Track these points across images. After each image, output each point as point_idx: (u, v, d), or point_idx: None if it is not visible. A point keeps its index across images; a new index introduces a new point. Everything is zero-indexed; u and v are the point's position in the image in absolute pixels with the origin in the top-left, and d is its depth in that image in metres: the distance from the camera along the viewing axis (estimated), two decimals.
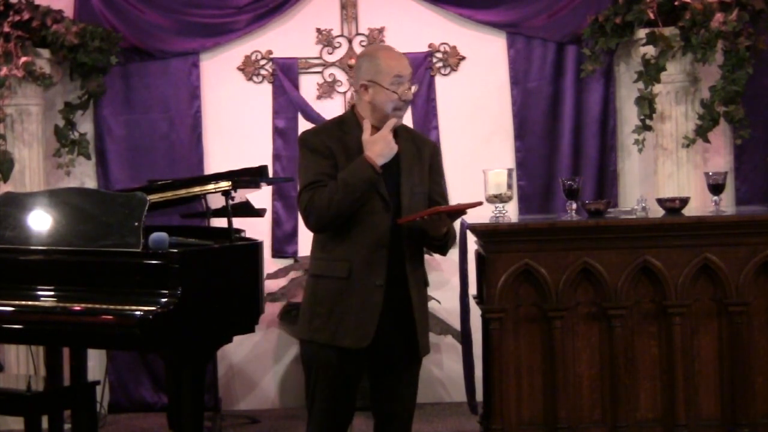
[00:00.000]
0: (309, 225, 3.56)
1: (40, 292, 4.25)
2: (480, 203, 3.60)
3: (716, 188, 4.69)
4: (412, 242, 3.54)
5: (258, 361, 6.16)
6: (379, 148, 3.45)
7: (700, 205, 5.43)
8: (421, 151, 3.62)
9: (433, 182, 3.64)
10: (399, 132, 3.59)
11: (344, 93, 6.13)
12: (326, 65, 6.17)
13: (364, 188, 3.44)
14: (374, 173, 3.44)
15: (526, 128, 6.11)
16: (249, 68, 6.18)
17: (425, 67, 6.14)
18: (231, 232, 4.50)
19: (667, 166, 5.77)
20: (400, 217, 3.50)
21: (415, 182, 3.56)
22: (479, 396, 4.76)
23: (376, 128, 3.51)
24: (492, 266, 4.39)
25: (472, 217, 4.57)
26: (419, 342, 3.55)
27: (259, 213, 5.14)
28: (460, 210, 3.59)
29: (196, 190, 4.66)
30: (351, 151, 3.49)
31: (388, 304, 3.50)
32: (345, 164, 3.47)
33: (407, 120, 6.10)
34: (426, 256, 5.91)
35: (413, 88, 3.58)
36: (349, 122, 3.58)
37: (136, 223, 4.13)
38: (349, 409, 3.62)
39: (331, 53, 6.12)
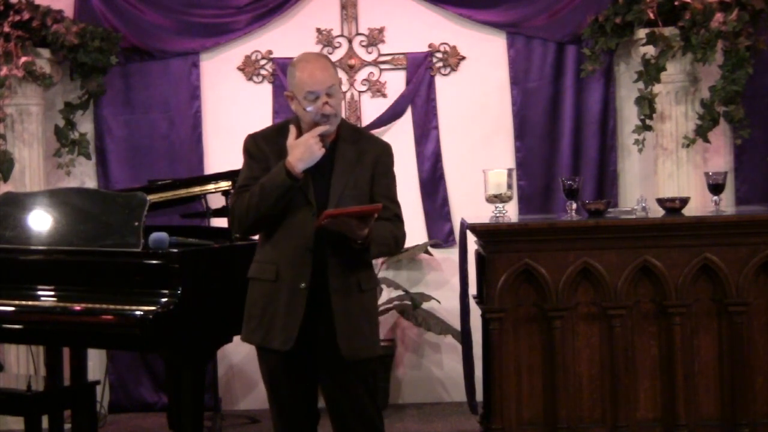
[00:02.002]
0: (233, 229, 3.61)
1: (40, 292, 4.25)
2: (378, 207, 3.42)
3: (716, 188, 4.69)
4: (336, 246, 3.47)
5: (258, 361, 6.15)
6: (299, 152, 3.42)
7: (700, 205, 5.43)
8: (363, 154, 3.56)
9: (376, 184, 3.56)
10: (343, 134, 3.57)
11: (344, 93, 6.12)
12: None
13: (278, 193, 3.42)
14: (289, 178, 3.41)
15: (526, 128, 6.11)
16: (249, 68, 6.18)
17: (425, 67, 6.14)
18: (231, 232, 4.50)
19: (667, 166, 5.77)
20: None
21: (348, 185, 3.51)
22: (479, 396, 4.76)
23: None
24: (492, 266, 4.39)
25: (472, 217, 4.58)
26: (340, 347, 3.47)
27: None
28: (365, 213, 3.40)
29: (196, 190, 4.67)
30: (284, 155, 3.46)
31: (311, 308, 3.48)
32: None
33: (407, 119, 6.13)
34: (424, 255, 6.04)
35: (332, 102, 3.46)
36: (289, 126, 3.54)
37: (136, 223, 4.13)
38: (305, 410, 3.59)
39: (331, 53, 6.11)
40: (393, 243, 3.58)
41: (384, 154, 3.62)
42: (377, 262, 5.61)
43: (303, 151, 3.42)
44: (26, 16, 5.70)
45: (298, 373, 3.55)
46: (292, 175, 3.41)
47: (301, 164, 3.42)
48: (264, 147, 3.54)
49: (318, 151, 3.43)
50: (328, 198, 3.48)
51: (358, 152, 3.56)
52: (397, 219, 3.60)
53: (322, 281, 3.48)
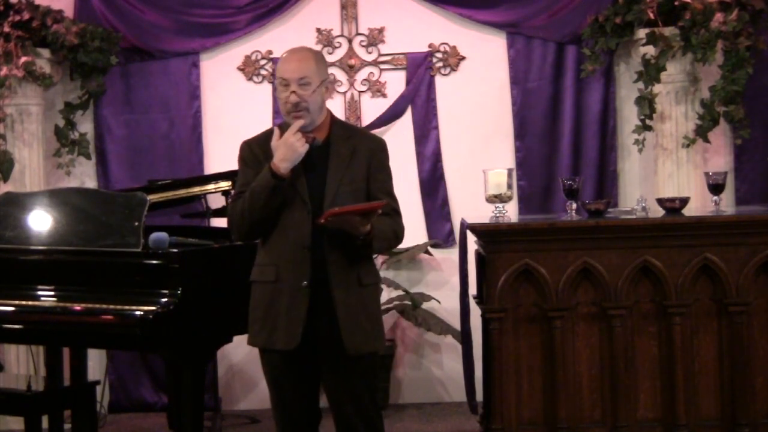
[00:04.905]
0: (233, 235, 3.63)
1: (40, 292, 4.25)
2: (382, 203, 3.46)
3: (716, 188, 4.69)
4: (335, 242, 3.48)
5: (258, 361, 6.11)
6: (281, 152, 3.44)
7: (700, 205, 5.43)
8: (357, 150, 3.56)
9: (373, 180, 3.57)
10: (336, 131, 3.58)
11: (344, 93, 6.13)
12: (326, 65, 6.17)
13: (266, 194, 3.43)
14: (273, 179, 3.42)
15: (526, 128, 6.11)
16: (249, 68, 6.18)
17: (425, 67, 6.14)
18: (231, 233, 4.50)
19: (667, 166, 5.77)
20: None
21: (344, 181, 3.52)
22: (479, 396, 4.76)
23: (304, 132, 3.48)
24: (492, 266, 4.39)
25: (472, 217, 4.58)
26: (344, 341, 3.49)
27: None
28: (369, 210, 3.43)
29: (196, 190, 4.67)
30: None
31: (316, 305, 3.49)
32: None
33: (407, 119, 6.13)
34: (424, 255, 6.04)
35: (300, 93, 3.48)
36: (283, 129, 3.55)
37: (136, 223, 4.13)
38: (303, 411, 3.59)
39: (331, 53, 6.12)
40: (393, 237, 3.59)
41: (378, 149, 3.63)
42: (378, 262, 5.60)
43: (285, 151, 3.43)
44: (26, 16, 5.70)
45: (300, 372, 3.56)
46: (277, 175, 3.42)
47: (286, 163, 3.43)
48: (257, 152, 3.56)
49: (300, 149, 3.44)
50: (324, 195, 3.50)
51: (351, 148, 3.57)
52: (395, 213, 3.61)
53: (323, 278, 3.49)
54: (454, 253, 5.41)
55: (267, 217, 3.48)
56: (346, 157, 3.55)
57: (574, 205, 4.59)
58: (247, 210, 3.48)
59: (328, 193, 3.50)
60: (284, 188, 3.45)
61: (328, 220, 3.38)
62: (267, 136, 3.61)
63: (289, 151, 3.43)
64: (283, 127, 3.53)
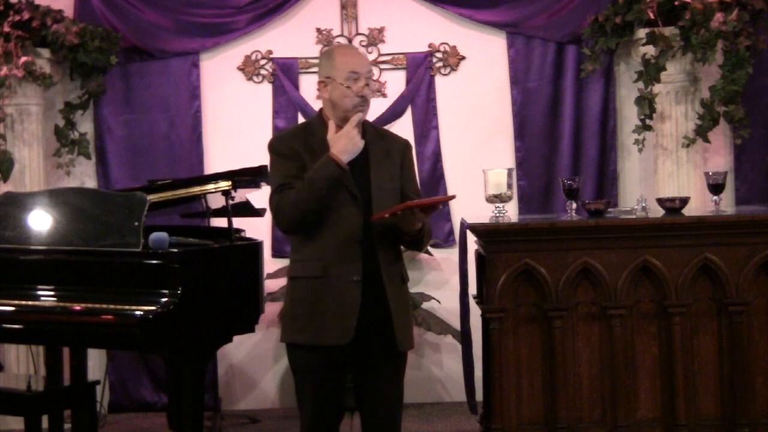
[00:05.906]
0: (280, 226, 3.61)
1: (40, 292, 4.25)
2: (453, 197, 3.58)
3: (716, 188, 4.69)
4: (385, 238, 3.53)
5: (258, 361, 6.17)
6: (342, 144, 3.46)
7: (700, 205, 5.44)
8: (390, 148, 3.63)
9: (405, 179, 3.63)
10: (367, 130, 3.61)
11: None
12: None
13: (329, 185, 3.45)
14: (338, 169, 3.45)
15: (526, 128, 6.11)
16: (249, 68, 6.18)
17: (425, 67, 6.14)
18: (231, 232, 4.50)
19: (667, 166, 5.78)
20: (370, 212, 3.49)
21: (384, 178, 3.57)
22: (479, 396, 4.76)
23: (340, 127, 3.52)
24: (492, 266, 4.39)
25: (472, 217, 4.58)
26: (397, 337, 3.52)
27: (259, 213, 5.14)
28: (433, 204, 3.57)
29: (196, 190, 4.66)
30: (316, 151, 3.50)
31: (365, 300, 3.49)
32: (312, 165, 3.49)
33: (407, 119, 6.13)
34: (424, 255, 6.05)
35: (370, 86, 3.56)
36: (314, 124, 3.60)
37: (136, 223, 4.13)
38: (337, 409, 3.60)
39: None
40: (430, 235, 3.67)
41: (407, 149, 3.71)
42: None
43: (346, 143, 3.46)
44: (26, 16, 5.70)
45: (341, 369, 3.55)
46: (341, 166, 3.45)
47: (346, 155, 3.46)
48: (294, 145, 3.56)
49: (359, 143, 3.49)
50: (370, 191, 3.53)
51: (385, 148, 3.62)
52: None
53: (373, 273, 3.50)
54: (454, 253, 5.41)
55: (321, 208, 3.48)
56: (382, 155, 3.60)
57: (574, 205, 4.60)
58: (304, 200, 3.45)
59: (374, 189, 3.53)
60: (344, 179, 3.48)
61: (398, 215, 3.43)
62: (301, 130, 3.66)
63: (350, 143, 3.47)
64: (313, 125, 3.61)
